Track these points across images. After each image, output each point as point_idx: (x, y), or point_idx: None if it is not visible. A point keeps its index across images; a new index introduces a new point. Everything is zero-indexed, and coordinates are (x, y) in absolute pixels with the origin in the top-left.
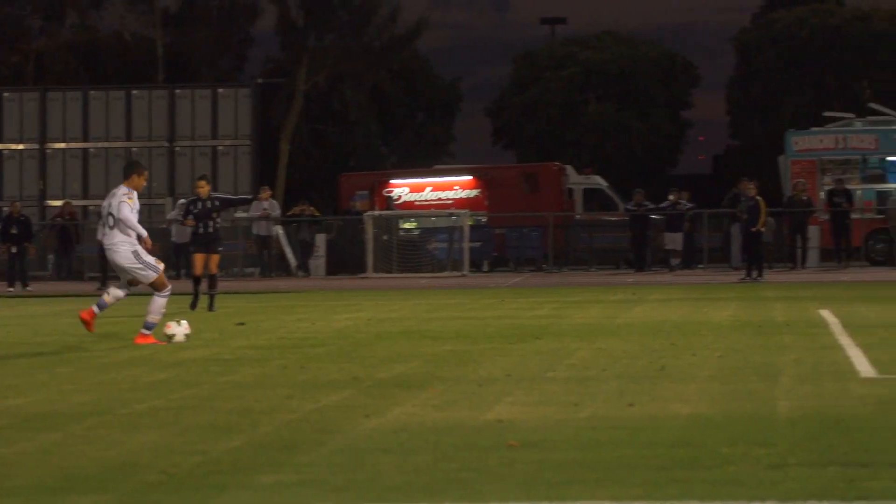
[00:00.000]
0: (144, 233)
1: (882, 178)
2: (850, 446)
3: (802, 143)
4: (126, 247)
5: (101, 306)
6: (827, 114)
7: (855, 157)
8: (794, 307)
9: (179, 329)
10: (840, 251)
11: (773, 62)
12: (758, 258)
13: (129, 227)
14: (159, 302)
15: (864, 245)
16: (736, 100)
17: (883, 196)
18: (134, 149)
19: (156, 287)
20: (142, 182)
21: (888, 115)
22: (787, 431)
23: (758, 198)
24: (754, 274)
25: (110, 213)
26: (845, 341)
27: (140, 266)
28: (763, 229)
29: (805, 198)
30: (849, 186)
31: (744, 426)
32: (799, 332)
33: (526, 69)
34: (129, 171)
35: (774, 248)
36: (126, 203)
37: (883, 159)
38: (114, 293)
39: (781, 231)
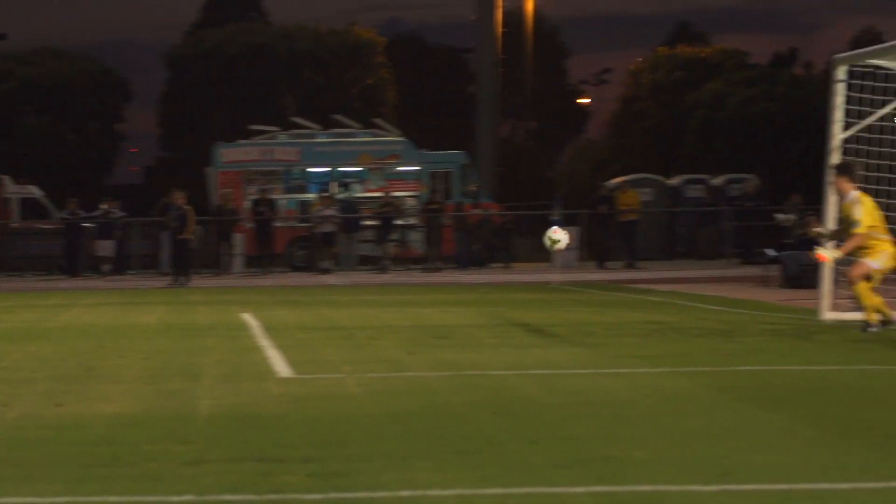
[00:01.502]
0: None
1: (304, 189)
2: (266, 442)
3: (229, 155)
4: None
5: None
6: (253, 127)
7: (279, 168)
8: (219, 311)
9: (564, 236)
10: (263, 258)
11: (203, 77)
12: (185, 264)
13: None
14: None
15: (287, 251)
16: (168, 114)
17: (305, 205)
18: None
19: None
20: None
21: (310, 128)
22: (206, 429)
23: (186, 207)
24: (182, 279)
25: None
26: (265, 343)
27: None
28: (191, 237)
29: (231, 207)
30: (272, 196)
31: (165, 424)
32: (222, 335)
33: None
34: None
35: (201, 255)
36: None
37: (304, 170)
38: None
39: (208, 238)
